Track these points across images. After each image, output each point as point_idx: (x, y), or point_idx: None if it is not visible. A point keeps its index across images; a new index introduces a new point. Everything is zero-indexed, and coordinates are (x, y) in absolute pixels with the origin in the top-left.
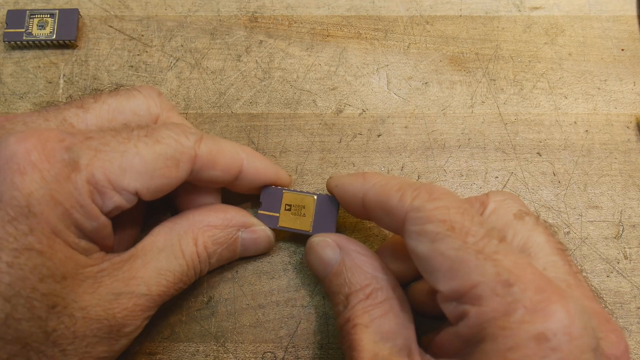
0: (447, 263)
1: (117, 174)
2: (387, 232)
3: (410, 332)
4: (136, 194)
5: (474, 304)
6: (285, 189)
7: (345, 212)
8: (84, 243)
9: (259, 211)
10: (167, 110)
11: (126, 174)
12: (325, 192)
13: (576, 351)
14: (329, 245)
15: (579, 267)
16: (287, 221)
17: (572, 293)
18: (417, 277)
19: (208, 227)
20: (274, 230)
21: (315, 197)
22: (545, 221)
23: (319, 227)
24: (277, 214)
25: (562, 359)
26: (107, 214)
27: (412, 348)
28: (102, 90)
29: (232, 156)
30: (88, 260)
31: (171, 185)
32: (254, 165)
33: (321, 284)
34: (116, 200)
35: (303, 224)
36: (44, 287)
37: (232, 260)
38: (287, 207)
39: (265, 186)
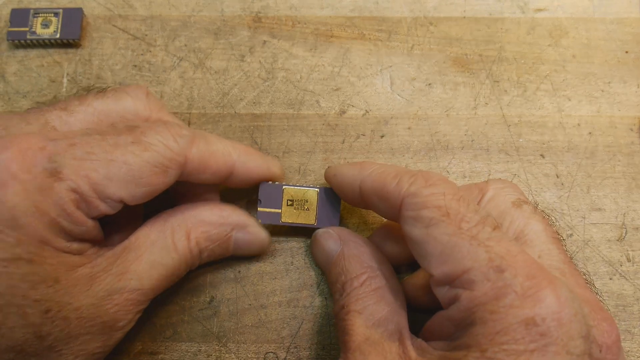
0: (441, 248)
1: (102, 184)
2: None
3: (402, 319)
4: (121, 201)
5: (466, 288)
6: (285, 185)
7: (347, 206)
8: (75, 245)
9: (259, 208)
10: (156, 111)
11: (111, 183)
12: (326, 185)
13: (565, 337)
14: (331, 237)
15: (582, 271)
16: (290, 216)
17: (564, 280)
18: (411, 259)
19: (202, 222)
20: (276, 226)
21: (318, 189)
22: (542, 211)
23: (323, 220)
24: (279, 210)
25: (550, 344)
26: (92, 219)
27: (403, 333)
28: (91, 90)
29: (223, 159)
30: (81, 259)
31: (158, 191)
32: (246, 165)
33: (325, 276)
34: (101, 208)
35: (307, 217)
36: (35, 294)
37: (224, 257)
38: (289, 203)
39: (263, 182)
